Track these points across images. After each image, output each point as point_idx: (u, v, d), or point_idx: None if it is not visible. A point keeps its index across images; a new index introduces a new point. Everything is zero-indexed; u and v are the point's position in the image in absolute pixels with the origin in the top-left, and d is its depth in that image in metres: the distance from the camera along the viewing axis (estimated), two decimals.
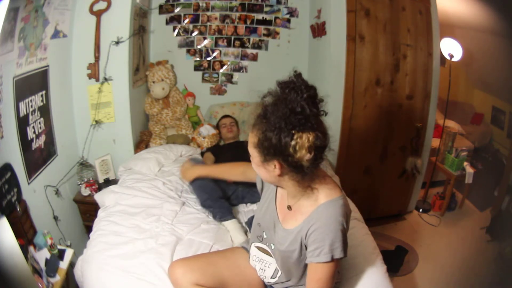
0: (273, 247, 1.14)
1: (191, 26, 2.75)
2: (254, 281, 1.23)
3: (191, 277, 1.14)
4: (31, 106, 1.66)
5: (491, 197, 2.79)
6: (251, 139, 0.96)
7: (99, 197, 1.84)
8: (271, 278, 1.18)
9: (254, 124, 0.95)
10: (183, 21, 2.73)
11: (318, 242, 0.97)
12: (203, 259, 1.24)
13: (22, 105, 1.57)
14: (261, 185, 1.22)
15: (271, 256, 1.16)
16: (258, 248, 1.19)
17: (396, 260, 2.22)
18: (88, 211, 2.12)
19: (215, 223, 1.67)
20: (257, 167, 0.99)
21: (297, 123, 0.86)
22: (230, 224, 1.63)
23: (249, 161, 1.04)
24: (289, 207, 1.08)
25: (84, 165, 2.20)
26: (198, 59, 2.84)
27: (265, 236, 1.17)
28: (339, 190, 1.02)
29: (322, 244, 0.96)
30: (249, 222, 1.66)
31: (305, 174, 0.93)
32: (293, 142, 0.87)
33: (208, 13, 2.74)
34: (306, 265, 1.07)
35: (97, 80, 2.16)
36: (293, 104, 0.86)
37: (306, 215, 1.00)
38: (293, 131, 0.86)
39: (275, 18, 2.79)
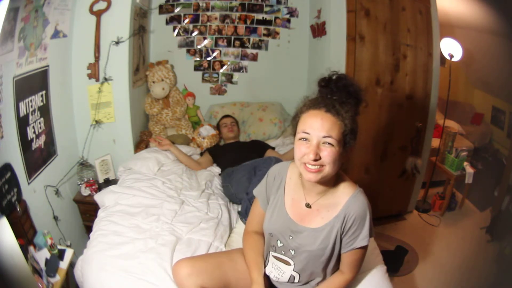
0: (293, 253, 1.12)
1: (191, 26, 2.76)
2: None
3: (196, 279, 1.10)
4: (31, 106, 1.66)
5: (491, 197, 2.78)
6: (334, 131, 0.97)
7: (99, 197, 1.84)
8: (285, 283, 1.18)
9: (326, 116, 0.99)
10: (183, 21, 2.74)
11: (357, 227, 1.05)
12: (210, 261, 1.19)
13: (22, 105, 1.57)
14: (265, 194, 1.22)
15: (287, 264, 1.15)
16: (275, 257, 1.18)
17: (396, 260, 2.22)
18: (88, 211, 2.12)
19: (214, 220, 1.67)
20: (338, 154, 0.99)
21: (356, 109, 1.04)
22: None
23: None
24: (308, 205, 1.10)
25: (84, 165, 2.20)
26: (198, 59, 2.84)
27: (279, 245, 1.15)
28: (353, 182, 1.13)
29: (361, 229, 1.05)
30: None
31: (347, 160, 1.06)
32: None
33: (208, 13, 2.74)
34: (332, 262, 1.11)
35: (97, 80, 2.17)
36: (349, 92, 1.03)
37: (338, 208, 1.07)
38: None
39: (275, 18, 2.79)
